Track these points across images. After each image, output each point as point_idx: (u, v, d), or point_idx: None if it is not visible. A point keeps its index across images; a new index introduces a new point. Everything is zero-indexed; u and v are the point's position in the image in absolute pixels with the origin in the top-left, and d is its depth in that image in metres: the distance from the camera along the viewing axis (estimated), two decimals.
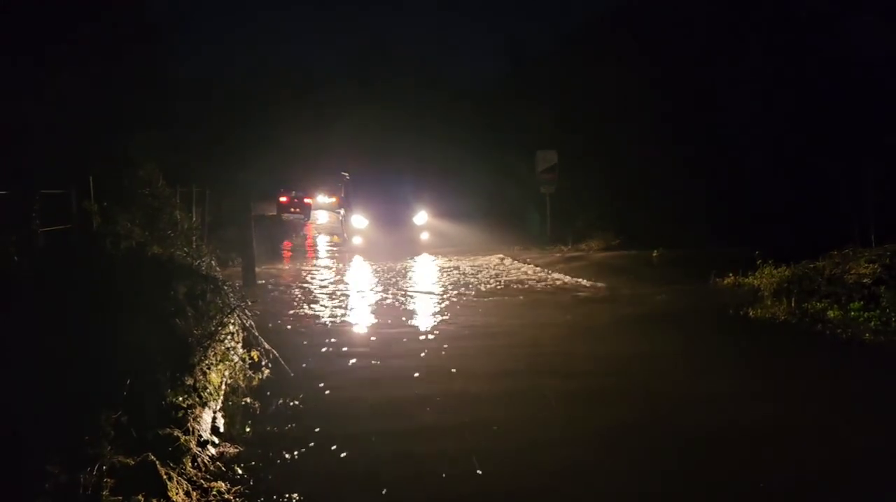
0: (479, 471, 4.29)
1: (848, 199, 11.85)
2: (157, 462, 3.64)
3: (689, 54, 16.93)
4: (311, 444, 4.73)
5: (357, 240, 18.66)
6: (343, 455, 4.60)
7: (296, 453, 4.57)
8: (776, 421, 5.10)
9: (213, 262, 7.08)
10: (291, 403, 5.55)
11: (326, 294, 11.55)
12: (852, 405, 5.45)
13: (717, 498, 3.99)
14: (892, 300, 8.05)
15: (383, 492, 4.07)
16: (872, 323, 7.88)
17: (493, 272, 14.37)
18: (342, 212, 21.07)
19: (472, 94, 28.52)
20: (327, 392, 5.97)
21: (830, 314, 8.39)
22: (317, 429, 5.02)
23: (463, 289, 11.87)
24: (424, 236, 19.05)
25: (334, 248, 20.16)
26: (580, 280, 12.54)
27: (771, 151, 14.18)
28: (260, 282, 11.89)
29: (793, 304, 8.83)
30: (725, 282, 11.02)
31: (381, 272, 14.57)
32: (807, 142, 13.59)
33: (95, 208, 6.21)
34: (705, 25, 17.38)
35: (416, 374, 6.53)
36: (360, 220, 18.80)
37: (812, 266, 9.77)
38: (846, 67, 13.70)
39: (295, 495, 3.96)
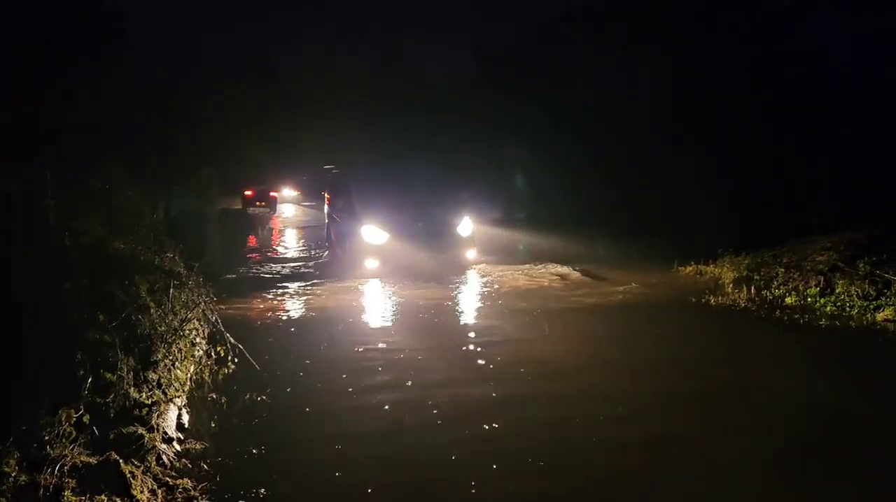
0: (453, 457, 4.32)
1: (806, 189, 12.15)
2: (121, 460, 3.60)
3: (661, 49, 17.07)
4: (279, 439, 4.73)
5: (372, 264, 11.88)
6: (310, 450, 4.61)
7: (263, 448, 4.55)
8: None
9: (176, 258, 6.98)
10: (259, 398, 5.52)
11: (294, 285, 11.46)
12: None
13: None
14: (847, 286, 8.31)
15: (352, 487, 4.10)
16: (828, 308, 8.14)
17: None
18: (333, 220, 15.17)
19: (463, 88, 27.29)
20: (295, 386, 5.94)
21: (788, 300, 8.64)
22: (284, 424, 5.02)
23: None
24: (471, 254, 12.82)
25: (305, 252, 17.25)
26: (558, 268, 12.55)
27: (737, 145, 14.39)
28: (225, 276, 11.75)
29: (752, 291, 9.06)
30: (687, 270, 11.24)
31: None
32: (768, 134, 13.87)
33: (52, 204, 6.08)
34: (671, 21, 17.59)
35: (381, 367, 6.54)
36: (375, 233, 11.94)
37: (771, 254, 10.04)
38: (805, 61, 14.02)
39: (262, 490, 3.95)
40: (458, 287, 11.06)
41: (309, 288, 11.07)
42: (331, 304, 9.72)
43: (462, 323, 8.71)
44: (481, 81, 24.11)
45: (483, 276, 11.99)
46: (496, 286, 10.99)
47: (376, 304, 9.96)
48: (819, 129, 12.86)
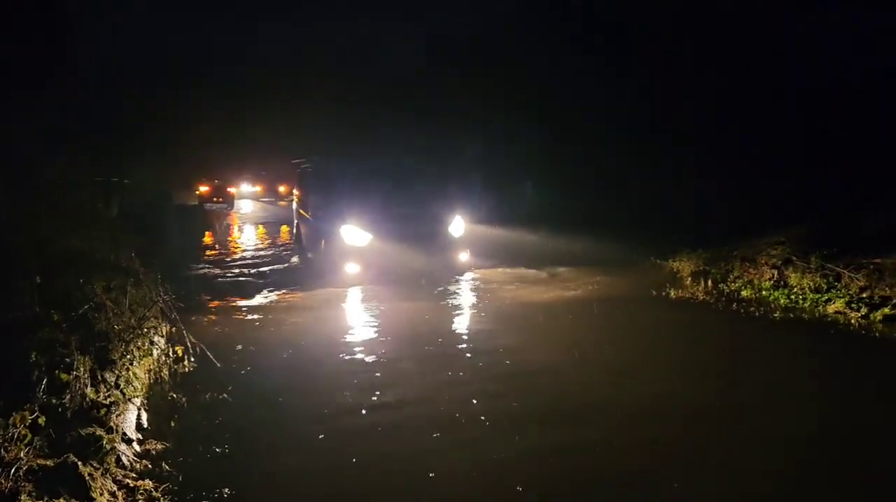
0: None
1: (761, 185, 12.49)
2: (80, 462, 3.50)
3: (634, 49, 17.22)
4: (241, 437, 4.65)
5: (353, 268, 10.63)
6: (274, 447, 4.55)
7: (226, 447, 4.48)
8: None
9: (133, 255, 6.82)
10: (220, 396, 5.42)
11: (253, 280, 11.30)
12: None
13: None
14: (799, 279, 8.55)
15: (315, 481, 4.08)
16: (782, 300, 8.37)
17: None
18: (304, 219, 13.47)
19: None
20: (256, 383, 5.86)
21: (744, 293, 8.86)
22: (246, 422, 4.94)
23: None
24: (464, 256, 11.62)
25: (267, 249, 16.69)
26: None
27: (709, 144, 14.65)
28: (183, 274, 11.49)
29: (709, 285, 9.27)
30: (648, 264, 11.47)
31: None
32: (737, 136, 14.23)
33: (1, 200, 5.87)
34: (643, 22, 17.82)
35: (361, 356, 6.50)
36: (356, 234, 10.67)
37: (727, 248, 10.28)
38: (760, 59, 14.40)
39: (226, 490, 3.89)
40: (453, 296, 9.99)
41: (279, 296, 9.97)
42: (309, 318, 8.51)
43: (464, 341, 7.48)
44: (452, 76, 23.57)
45: (479, 282, 11.09)
46: (494, 293, 10.06)
47: (361, 317, 8.78)
48: (781, 129, 13.23)
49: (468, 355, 6.85)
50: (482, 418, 4.98)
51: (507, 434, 4.68)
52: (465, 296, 10.09)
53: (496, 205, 17.62)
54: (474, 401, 5.34)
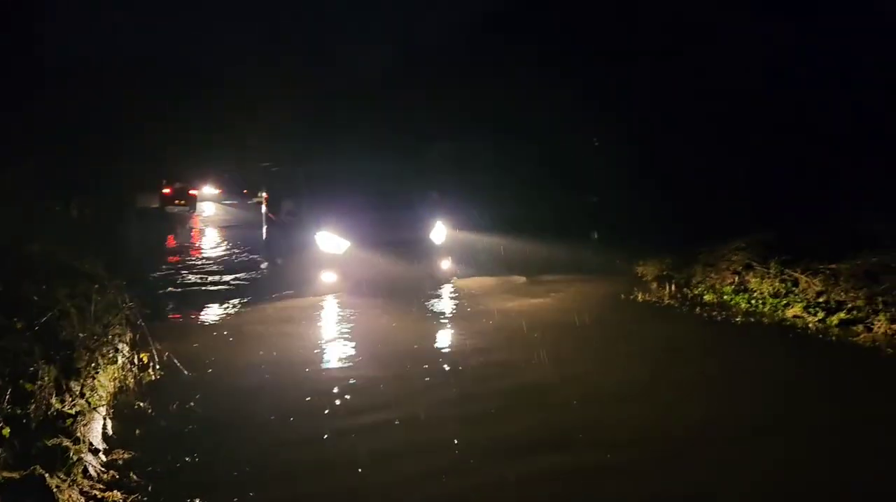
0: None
1: (725, 193, 12.79)
2: (46, 474, 3.43)
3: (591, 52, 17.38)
4: (211, 446, 4.60)
5: (329, 277, 10.16)
6: (244, 457, 4.51)
7: (196, 456, 4.42)
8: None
9: (96, 260, 6.69)
10: (188, 404, 5.35)
11: (218, 284, 11.16)
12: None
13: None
14: (759, 284, 8.79)
15: (286, 492, 4.06)
16: (743, 305, 8.59)
17: None
18: (274, 225, 12.97)
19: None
20: (224, 393, 5.80)
21: (707, 298, 9.08)
22: (216, 430, 4.89)
23: None
24: (445, 264, 11.19)
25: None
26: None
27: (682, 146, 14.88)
28: (145, 280, 11.27)
29: (674, 289, 9.47)
30: (619, 269, 11.67)
31: None
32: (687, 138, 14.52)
33: None
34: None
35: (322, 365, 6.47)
36: (333, 241, 10.22)
37: (690, 253, 10.52)
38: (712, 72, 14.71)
39: (196, 500, 3.85)
40: (434, 305, 9.70)
41: (249, 305, 9.58)
42: (282, 329, 8.12)
43: (444, 354, 7.36)
44: (441, 77, 23.22)
45: (461, 291, 10.65)
46: (477, 302, 9.74)
47: (337, 328, 8.47)
48: (733, 137, 13.54)
49: (449, 368, 6.72)
50: (470, 434, 4.96)
51: (497, 445, 4.71)
52: (446, 305, 9.83)
53: (478, 211, 17.48)
54: (460, 416, 5.28)
